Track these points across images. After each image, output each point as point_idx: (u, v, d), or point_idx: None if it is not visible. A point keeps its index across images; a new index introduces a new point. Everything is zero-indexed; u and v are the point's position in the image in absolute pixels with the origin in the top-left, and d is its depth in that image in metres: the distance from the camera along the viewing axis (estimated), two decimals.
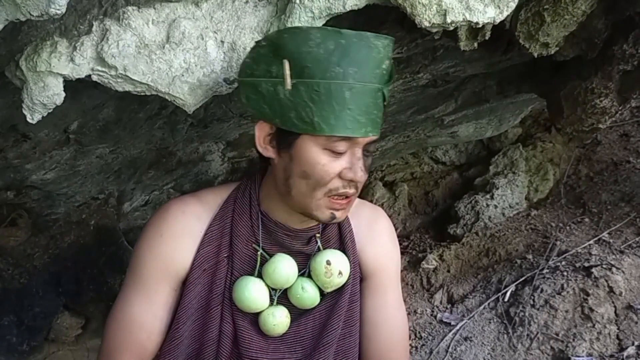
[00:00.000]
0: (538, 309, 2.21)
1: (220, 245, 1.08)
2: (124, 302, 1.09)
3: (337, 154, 0.96)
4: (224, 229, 1.08)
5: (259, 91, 0.97)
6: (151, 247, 1.07)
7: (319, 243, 1.11)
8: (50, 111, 1.07)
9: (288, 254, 1.09)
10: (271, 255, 1.09)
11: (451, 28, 1.14)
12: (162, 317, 1.08)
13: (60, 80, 1.04)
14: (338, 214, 1.01)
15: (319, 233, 1.12)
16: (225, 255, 1.08)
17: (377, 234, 1.20)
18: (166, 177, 2.30)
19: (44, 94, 1.03)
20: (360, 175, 0.98)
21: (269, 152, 1.01)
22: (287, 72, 0.92)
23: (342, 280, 1.10)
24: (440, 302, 2.66)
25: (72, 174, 1.96)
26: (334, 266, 1.08)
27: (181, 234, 1.07)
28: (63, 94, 1.05)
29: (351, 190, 1.00)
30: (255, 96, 0.98)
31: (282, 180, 1.02)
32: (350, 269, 1.12)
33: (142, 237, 1.10)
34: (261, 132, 1.01)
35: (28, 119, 1.06)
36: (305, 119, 0.93)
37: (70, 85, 1.07)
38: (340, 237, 1.15)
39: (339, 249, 1.13)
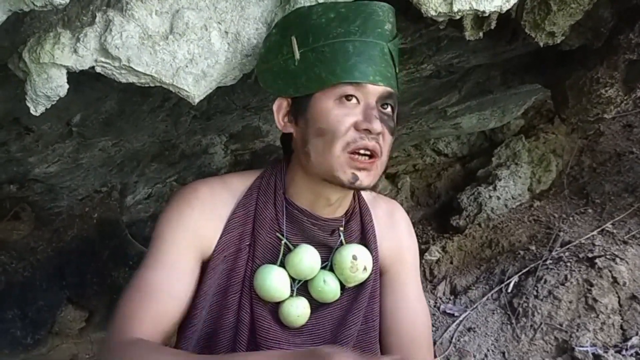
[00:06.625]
0: (541, 300, 2.21)
1: (242, 233, 1.07)
2: (146, 270, 1.02)
3: (349, 102, 0.98)
4: (247, 217, 1.07)
5: (273, 71, 1.04)
6: (181, 217, 1.04)
7: (342, 236, 1.09)
8: (53, 103, 1.06)
9: (311, 245, 1.08)
10: (294, 245, 1.07)
11: (457, 17, 1.13)
12: (189, 283, 1.03)
13: (64, 71, 1.03)
14: (361, 175, 0.98)
15: (342, 226, 1.10)
16: (247, 243, 1.07)
17: (394, 227, 1.19)
18: (169, 170, 2.30)
19: (48, 85, 1.03)
20: (377, 125, 0.97)
21: (287, 127, 1.05)
22: (295, 45, 1.00)
23: (365, 275, 1.09)
24: (444, 294, 2.66)
25: (75, 167, 1.96)
26: (359, 261, 1.06)
27: (211, 213, 1.06)
28: (66, 86, 1.04)
29: (371, 143, 0.97)
30: (271, 77, 1.05)
31: (301, 151, 1.03)
32: (373, 264, 1.11)
33: (168, 210, 1.06)
34: (279, 110, 1.06)
35: (32, 111, 1.05)
36: (315, 78, 0.99)
37: (73, 78, 1.06)
38: (363, 231, 1.13)
39: (361, 244, 1.12)
